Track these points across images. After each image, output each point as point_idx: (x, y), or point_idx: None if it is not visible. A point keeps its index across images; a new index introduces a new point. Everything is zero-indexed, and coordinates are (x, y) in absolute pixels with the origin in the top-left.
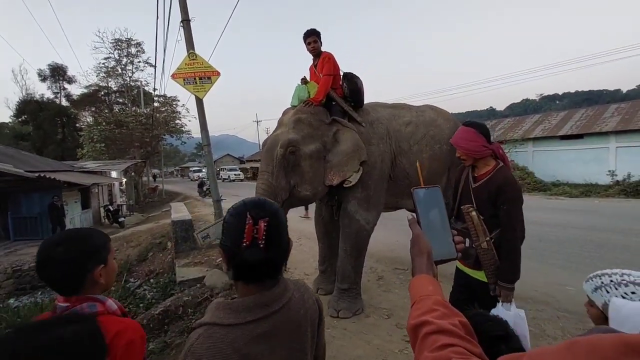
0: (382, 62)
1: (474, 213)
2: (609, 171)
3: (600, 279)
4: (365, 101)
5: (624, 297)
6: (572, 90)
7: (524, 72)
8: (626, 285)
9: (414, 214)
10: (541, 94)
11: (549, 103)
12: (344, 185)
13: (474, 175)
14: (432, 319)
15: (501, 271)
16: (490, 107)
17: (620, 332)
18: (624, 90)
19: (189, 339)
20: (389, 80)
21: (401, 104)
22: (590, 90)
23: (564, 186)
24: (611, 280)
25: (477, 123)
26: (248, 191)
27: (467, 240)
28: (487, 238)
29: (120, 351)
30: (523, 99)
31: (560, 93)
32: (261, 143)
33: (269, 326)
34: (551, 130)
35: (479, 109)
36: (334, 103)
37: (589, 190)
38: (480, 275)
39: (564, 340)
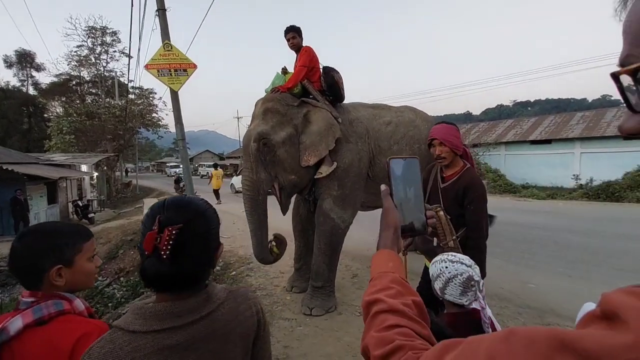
0: (358, 62)
1: (441, 213)
2: (574, 175)
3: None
4: (347, 100)
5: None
6: (543, 98)
7: (499, 78)
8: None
9: (387, 185)
10: (514, 100)
11: (521, 109)
12: (315, 177)
13: (442, 175)
14: (385, 297)
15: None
16: (467, 111)
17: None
18: (589, 99)
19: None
20: (366, 80)
21: (381, 105)
22: (559, 98)
23: (532, 189)
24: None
25: (451, 122)
26: (224, 187)
27: (435, 239)
28: (454, 237)
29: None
30: (497, 105)
31: (532, 100)
32: (241, 140)
33: (182, 339)
34: (522, 135)
35: (456, 113)
36: (310, 97)
37: (555, 193)
38: None
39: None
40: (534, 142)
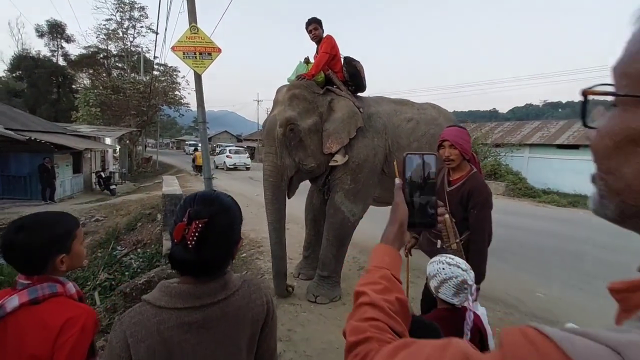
0: (379, 53)
1: (447, 216)
2: None
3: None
4: (368, 92)
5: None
6: (576, 100)
7: (530, 77)
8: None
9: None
10: (544, 100)
11: (551, 110)
12: (330, 164)
13: (449, 179)
14: (370, 291)
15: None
16: (493, 108)
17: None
18: None
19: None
20: (387, 73)
21: (404, 100)
22: None
23: (553, 195)
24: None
25: (461, 126)
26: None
27: (439, 241)
28: (457, 240)
29: (72, 337)
30: (526, 104)
31: (563, 101)
32: (260, 123)
33: (199, 317)
34: (549, 138)
35: (481, 109)
36: (334, 86)
37: (577, 200)
38: None
39: None
40: (561, 147)
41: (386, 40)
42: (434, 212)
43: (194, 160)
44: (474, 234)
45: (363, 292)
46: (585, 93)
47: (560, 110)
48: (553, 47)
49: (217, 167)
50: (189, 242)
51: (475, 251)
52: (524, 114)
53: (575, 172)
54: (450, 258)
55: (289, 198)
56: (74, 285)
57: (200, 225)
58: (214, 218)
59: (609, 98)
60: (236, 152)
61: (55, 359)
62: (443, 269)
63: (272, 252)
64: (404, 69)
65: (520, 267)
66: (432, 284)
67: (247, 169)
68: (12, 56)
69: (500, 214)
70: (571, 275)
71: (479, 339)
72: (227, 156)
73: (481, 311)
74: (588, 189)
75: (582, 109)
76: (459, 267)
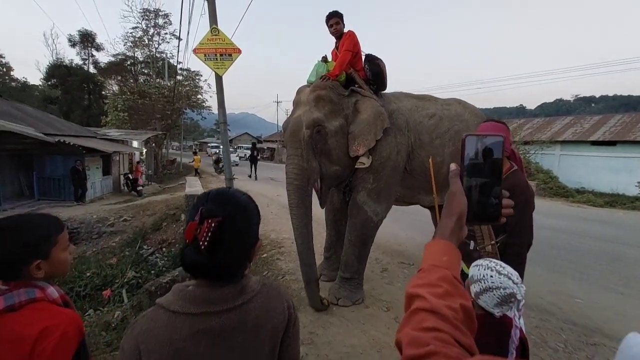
0: (406, 50)
1: None
2: (638, 182)
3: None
4: (390, 89)
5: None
6: (610, 94)
7: (559, 71)
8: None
9: (459, 165)
10: (576, 95)
11: (583, 105)
12: (356, 167)
13: None
14: (428, 295)
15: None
16: (521, 104)
17: None
18: None
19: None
20: (414, 69)
21: (427, 96)
22: (629, 95)
23: (588, 194)
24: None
25: (502, 121)
26: (261, 171)
27: (472, 242)
28: (492, 242)
29: (49, 346)
30: (556, 99)
31: (597, 96)
32: (280, 124)
33: (215, 325)
34: (582, 134)
35: (508, 106)
36: (356, 85)
37: (614, 200)
38: None
39: (565, 352)
40: (596, 143)
41: (406, 34)
42: (497, 203)
43: (216, 162)
44: (512, 236)
45: (420, 296)
46: None
47: (593, 105)
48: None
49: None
50: (201, 243)
51: (512, 255)
52: (553, 110)
53: (612, 170)
54: (501, 266)
55: (321, 207)
56: (57, 289)
57: (213, 225)
58: (229, 217)
59: None
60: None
61: None
62: (491, 276)
63: (300, 259)
64: (424, 66)
65: (554, 269)
66: (474, 288)
67: (236, 165)
68: (47, 65)
69: None
70: (611, 278)
71: (522, 350)
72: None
73: (521, 322)
74: (626, 187)
75: None
76: (510, 278)
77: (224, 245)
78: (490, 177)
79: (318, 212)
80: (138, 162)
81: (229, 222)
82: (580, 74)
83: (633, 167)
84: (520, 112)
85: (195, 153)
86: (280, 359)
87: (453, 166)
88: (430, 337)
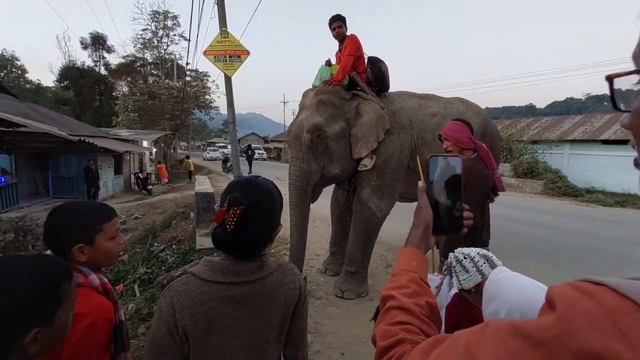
0: (413, 49)
1: None
2: None
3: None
4: (392, 88)
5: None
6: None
7: (570, 69)
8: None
9: (425, 182)
10: (588, 94)
11: (595, 104)
12: (359, 169)
13: None
14: (399, 295)
15: (444, 248)
16: (530, 103)
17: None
18: None
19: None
20: (420, 69)
21: (430, 95)
22: None
23: (598, 194)
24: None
25: (464, 120)
26: (268, 170)
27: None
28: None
29: (76, 333)
30: (567, 98)
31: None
32: (287, 124)
33: (237, 293)
34: (592, 133)
35: (517, 105)
36: (358, 88)
37: (625, 200)
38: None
39: None
40: (606, 142)
41: (412, 33)
42: (459, 215)
43: (224, 162)
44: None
45: (391, 296)
46: (610, 78)
47: (605, 103)
48: (596, 34)
49: (204, 159)
50: (227, 227)
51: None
52: (564, 108)
53: (623, 170)
54: (462, 256)
55: (312, 202)
56: (99, 277)
57: (238, 212)
58: (252, 205)
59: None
60: (213, 150)
61: (58, 352)
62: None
63: (291, 252)
64: (431, 64)
65: (559, 268)
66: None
67: (219, 159)
68: (60, 67)
69: (537, 214)
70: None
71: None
72: (207, 152)
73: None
74: (638, 187)
75: (611, 95)
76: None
77: (248, 229)
78: (452, 192)
79: (324, 211)
80: (159, 162)
81: (252, 209)
82: (591, 72)
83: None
84: (530, 111)
85: (187, 157)
86: (291, 329)
87: (420, 183)
88: (399, 329)
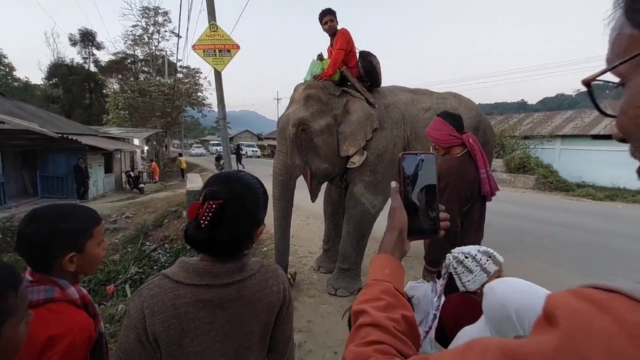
0: (403, 44)
1: None
2: None
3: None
4: (385, 83)
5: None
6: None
7: (561, 64)
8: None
9: (398, 182)
10: (578, 90)
11: (585, 99)
12: (347, 166)
13: None
14: (371, 310)
15: (427, 254)
16: (522, 99)
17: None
18: None
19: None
20: (411, 64)
21: (422, 90)
22: None
23: (588, 188)
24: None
25: (449, 113)
26: (262, 167)
27: None
28: None
29: (54, 356)
30: (558, 94)
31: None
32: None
33: (214, 296)
34: (583, 128)
35: (509, 101)
36: (348, 83)
37: (614, 194)
38: None
39: None
40: (597, 137)
41: (403, 28)
42: (435, 216)
43: (217, 159)
44: None
45: (363, 311)
46: (586, 82)
47: None
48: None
49: (190, 155)
50: (201, 222)
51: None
52: (555, 104)
53: (612, 164)
54: (462, 256)
55: (312, 202)
56: (78, 290)
57: (213, 206)
58: (232, 199)
59: (612, 81)
60: (197, 147)
61: None
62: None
63: (275, 246)
64: (423, 60)
65: (556, 262)
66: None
67: (203, 155)
68: (49, 65)
69: (528, 208)
70: (612, 271)
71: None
72: (193, 149)
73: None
74: (627, 181)
75: (592, 99)
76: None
77: (224, 225)
78: (427, 192)
79: (318, 208)
80: (152, 160)
81: (231, 204)
82: (581, 67)
83: (634, 161)
84: (521, 107)
85: (180, 155)
86: (274, 335)
87: (393, 184)
88: (371, 350)
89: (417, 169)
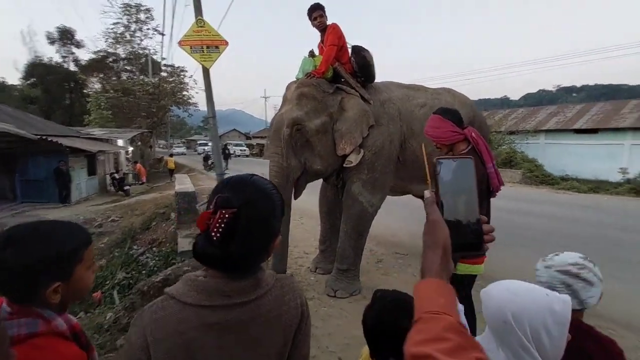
0: (387, 42)
1: None
2: (621, 168)
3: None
4: (378, 79)
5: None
6: (592, 83)
7: (541, 61)
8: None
9: (433, 191)
10: (558, 85)
11: (565, 95)
12: (344, 165)
13: None
14: (437, 354)
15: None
16: (505, 96)
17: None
18: None
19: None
20: (396, 61)
21: (417, 85)
22: (609, 84)
23: (572, 181)
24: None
25: (445, 109)
26: (251, 167)
27: None
28: None
29: None
30: (539, 90)
31: (578, 85)
32: (268, 120)
33: (226, 318)
34: (565, 123)
35: (492, 97)
36: (342, 80)
37: (597, 186)
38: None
39: None
40: (579, 131)
41: (388, 25)
42: (477, 228)
43: (205, 159)
44: None
45: (428, 356)
46: None
47: (574, 95)
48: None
49: (170, 155)
50: (213, 234)
51: None
52: (537, 100)
53: (594, 157)
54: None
55: (295, 199)
56: (66, 319)
57: (226, 216)
58: (245, 208)
59: None
60: (178, 146)
61: None
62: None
63: (274, 251)
64: (408, 57)
65: (547, 253)
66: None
67: (184, 154)
68: (26, 64)
69: (518, 202)
70: (602, 262)
71: None
72: (173, 148)
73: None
74: (609, 174)
75: None
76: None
77: (239, 237)
78: (467, 201)
79: (313, 207)
80: (136, 162)
81: (245, 212)
82: (561, 64)
83: (615, 154)
84: (504, 103)
85: (171, 155)
86: (291, 356)
87: (427, 193)
88: None
89: (455, 175)
